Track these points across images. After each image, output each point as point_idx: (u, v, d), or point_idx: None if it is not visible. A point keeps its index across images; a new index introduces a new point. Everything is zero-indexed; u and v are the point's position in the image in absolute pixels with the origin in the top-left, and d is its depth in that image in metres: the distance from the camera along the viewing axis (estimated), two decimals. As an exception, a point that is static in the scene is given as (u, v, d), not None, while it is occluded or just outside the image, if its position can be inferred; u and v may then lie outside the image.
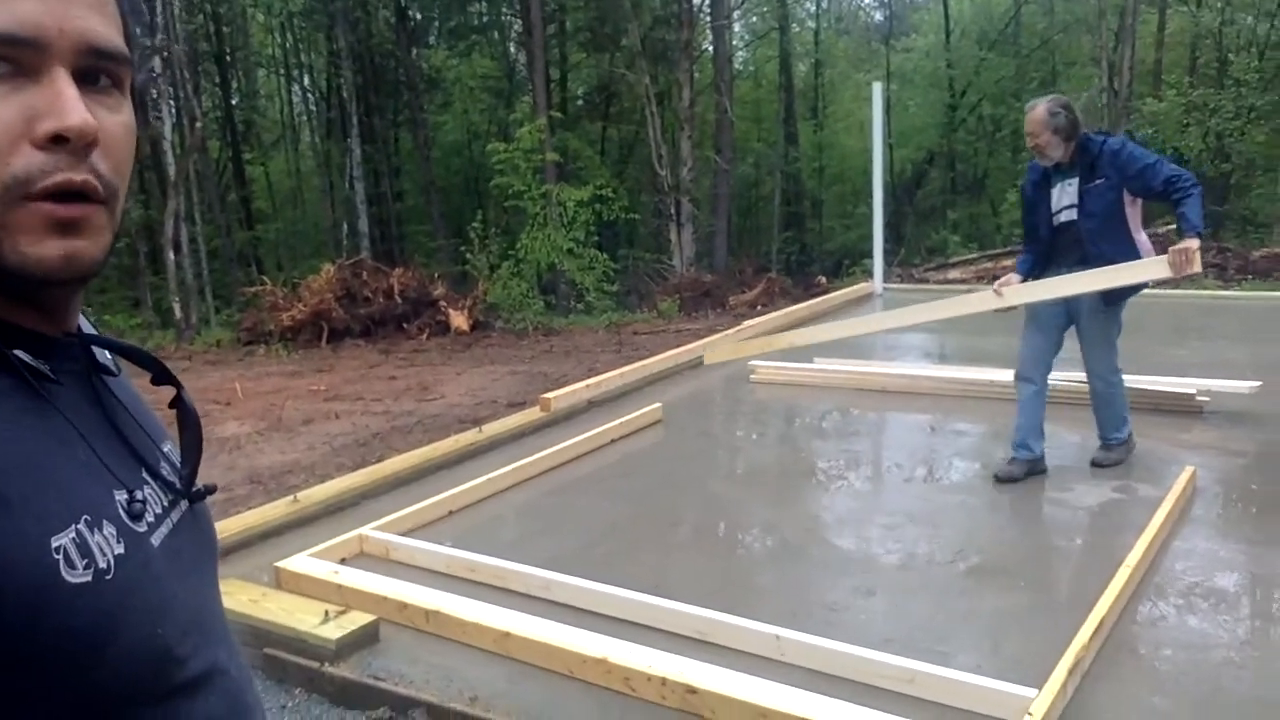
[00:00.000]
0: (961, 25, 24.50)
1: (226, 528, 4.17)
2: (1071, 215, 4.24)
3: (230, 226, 20.45)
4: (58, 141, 0.64)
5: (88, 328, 0.80)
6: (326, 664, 3.03)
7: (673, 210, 17.34)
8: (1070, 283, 4.22)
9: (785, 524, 4.28)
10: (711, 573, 3.76)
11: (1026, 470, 4.44)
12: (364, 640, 3.14)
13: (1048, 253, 4.40)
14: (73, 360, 0.75)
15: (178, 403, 0.84)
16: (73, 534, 0.64)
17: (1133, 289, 4.28)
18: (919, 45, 25.52)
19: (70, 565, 0.63)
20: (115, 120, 0.70)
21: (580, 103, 24.59)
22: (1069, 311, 4.40)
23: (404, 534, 4.02)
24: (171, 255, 15.62)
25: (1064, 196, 4.25)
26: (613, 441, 5.50)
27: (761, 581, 3.74)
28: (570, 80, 23.94)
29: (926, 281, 13.29)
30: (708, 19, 18.87)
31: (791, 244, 23.66)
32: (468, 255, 14.76)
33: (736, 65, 24.16)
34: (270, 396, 9.25)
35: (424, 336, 12.64)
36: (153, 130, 17.43)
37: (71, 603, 0.62)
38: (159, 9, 15.55)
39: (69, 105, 0.65)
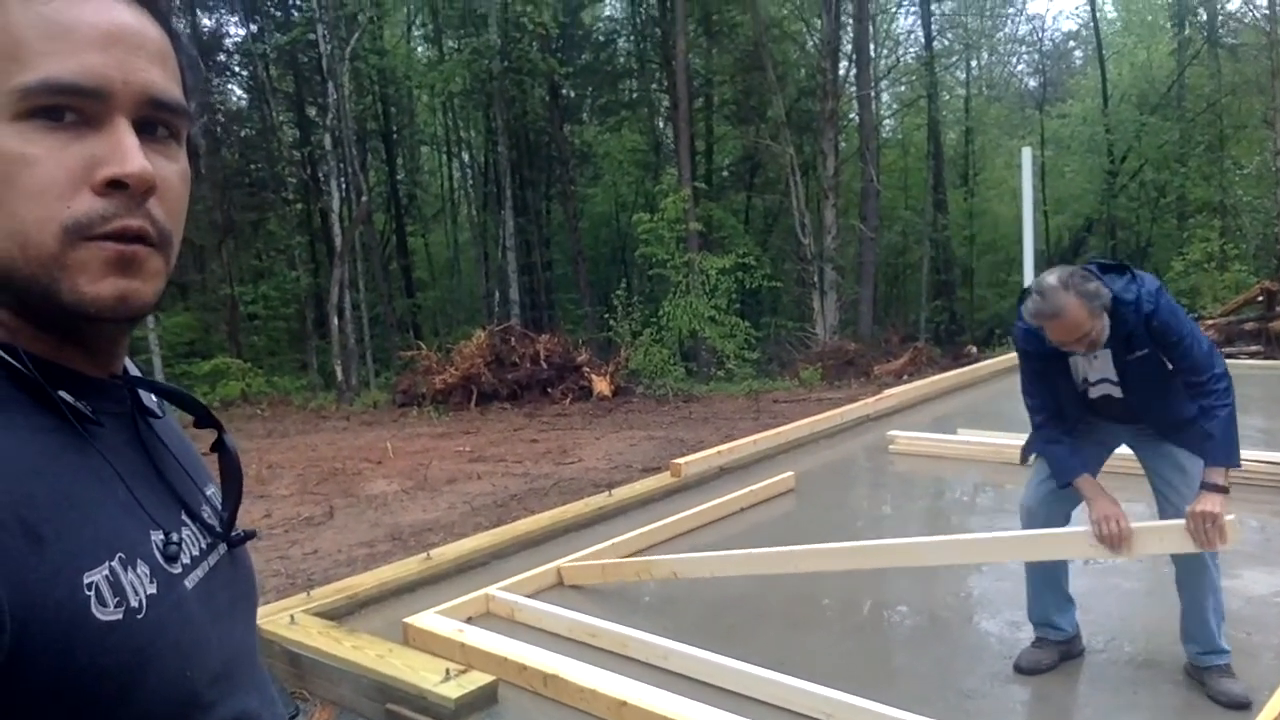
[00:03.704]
0: (1120, 89, 23.62)
1: (361, 582, 4.29)
2: (1113, 391, 3.15)
3: (391, 294, 21.52)
4: (117, 187, 0.67)
5: (134, 370, 0.81)
6: (445, 723, 3.05)
7: (816, 278, 17.21)
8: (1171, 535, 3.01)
9: (924, 603, 4.07)
10: (840, 651, 3.61)
11: (1060, 656, 3.37)
12: (482, 701, 3.14)
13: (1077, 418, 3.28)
14: (117, 402, 0.76)
15: (219, 446, 0.85)
16: (106, 571, 0.64)
17: None
18: (1075, 111, 24.72)
19: (102, 603, 0.63)
20: (172, 169, 0.72)
21: (725, 173, 24.89)
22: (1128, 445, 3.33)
23: (529, 595, 4.03)
24: (336, 320, 16.52)
25: (1093, 369, 3.14)
26: (742, 510, 5.41)
27: (894, 662, 3.56)
28: (715, 152, 24.30)
29: (1085, 352, 12.64)
30: (853, 89, 18.86)
31: (940, 313, 23.06)
32: (611, 322, 15.01)
33: (883, 134, 24.00)
34: (419, 456, 9.58)
35: (567, 401, 12.87)
36: (322, 203, 18.66)
37: (101, 640, 0.62)
38: (331, 91, 16.74)
39: (129, 154, 0.67)
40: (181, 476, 0.81)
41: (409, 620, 3.68)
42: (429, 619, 3.68)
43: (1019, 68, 30.71)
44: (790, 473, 5.91)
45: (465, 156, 27.05)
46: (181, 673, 0.68)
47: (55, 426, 0.68)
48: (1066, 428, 3.19)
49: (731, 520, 5.28)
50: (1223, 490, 2.87)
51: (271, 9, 20.39)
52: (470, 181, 26.91)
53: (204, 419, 0.84)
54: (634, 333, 14.64)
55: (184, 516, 0.78)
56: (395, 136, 23.63)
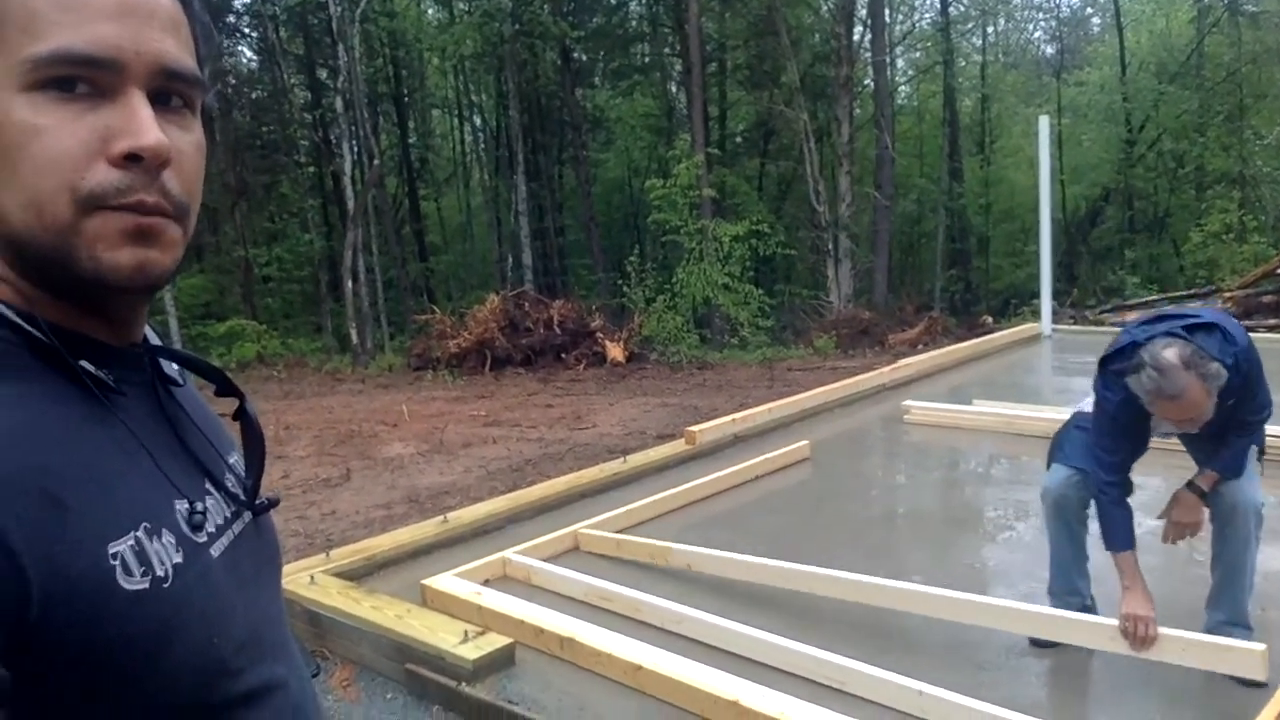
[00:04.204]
0: (1139, 57, 23.25)
1: (379, 544, 4.34)
2: (1175, 442, 3.19)
3: (405, 258, 21.51)
4: (132, 159, 0.66)
5: (154, 339, 0.80)
6: (464, 683, 3.09)
7: (830, 246, 17.13)
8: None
9: (939, 573, 4.09)
10: (853, 619, 3.63)
11: None
12: (500, 662, 3.18)
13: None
14: (138, 371, 0.76)
15: (241, 414, 0.84)
16: (131, 541, 0.65)
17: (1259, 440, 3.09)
18: (1093, 79, 24.37)
19: (127, 573, 0.63)
20: (187, 139, 0.71)
21: (739, 139, 24.70)
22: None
23: (546, 559, 4.07)
24: (350, 284, 16.54)
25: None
26: (757, 478, 5.43)
27: (909, 633, 3.58)
28: (729, 117, 24.09)
29: (1101, 324, 12.58)
30: (868, 55, 18.64)
31: (956, 282, 22.93)
32: (625, 288, 14.99)
33: (899, 100, 23.74)
34: (434, 420, 9.63)
35: (581, 366, 12.89)
36: (334, 166, 18.61)
37: (128, 610, 0.63)
38: (341, 53, 16.64)
39: (144, 125, 0.66)
40: (204, 445, 0.81)
41: (427, 582, 3.72)
42: (447, 581, 3.73)
43: (1036, 34, 30.32)
44: (805, 441, 5.92)
45: (477, 120, 26.92)
46: (208, 641, 0.69)
47: (76, 396, 0.68)
48: (1129, 487, 3.04)
49: (746, 488, 5.31)
50: (1201, 494, 3.01)
51: (282, -30, 20.23)
52: (482, 146, 26.80)
53: (225, 387, 0.84)
54: (647, 299, 14.62)
55: (208, 485, 0.78)
56: (407, 100, 23.49)
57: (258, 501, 0.83)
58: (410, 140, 24.04)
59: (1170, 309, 3.11)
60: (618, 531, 4.46)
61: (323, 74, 20.94)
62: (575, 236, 23.53)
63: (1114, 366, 2.89)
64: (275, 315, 19.50)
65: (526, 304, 14.20)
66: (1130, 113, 21.93)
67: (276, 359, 15.83)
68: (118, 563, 0.63)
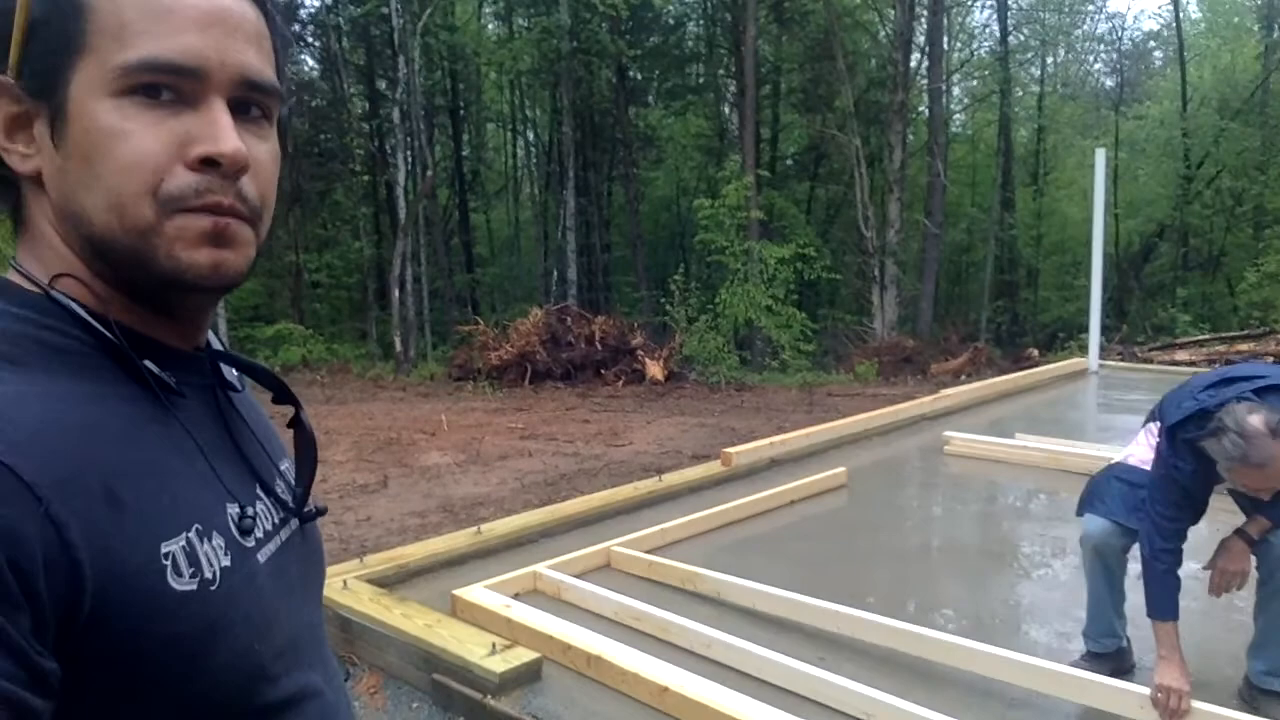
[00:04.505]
0: (1201, 92, 22.89)
1: (412, 552, 4.37)
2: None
3: (452, 269, 21.74)
4: (210, 165, 0.69)
5: (216, 344, 0.83)
6: (489, 696, 3.10)
7: (876, 272, 17.03)
8: None
9: (972, 608, 4.03)
10: (883, 650, 3.59)
11: (1110, 670, 3.26)
12: (526, 677, 3.18)
13: None
14: (199, 375, 0.78)
15: (296, 423, 0.86)
16: (183, 542, 0.66)
17: None
18: (1152, 113, 24.04)
19: (177, 573, 0.65)
20: (263, 148, 0.74)
21: (789, 162, 24.69)
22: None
23: (577, 575, 4.07)
24: (397, 292, 16.75)
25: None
26: (792, 503, 5.39)
27: (939, 667, 3.53)
28: (781, 140, 24.10)
29: (1150, 362, 12.35)
30: (924, 82, 18.56)
31: (1003, 313, 22.68)
32: (668, 307, 15.02)
33: (953, 128, 23.59)
34: (472, 430, 9.70)
35: (620, 383, 12.92)
36: (388, 175, 18.88)
37: (175, 610, 0.64)
38: (401, 65, 16.91)
39: (224, 133, 0.69)
40: (257, 450, 0.82)
41: (458, 592, 3.74)
42: (477, 592, 3.74)
43: (1096, 66, 29.97)
44: (842, 468, 5.87)
45: (530, 135, 27.20)
46: (250, 645, 0.70)
47: (140, 396, 0.70)
48: (1181, 555, 2.94)
49: (781, 513, 5.27)
50: (1250, 541, 2.94)
51: (347, -19, 20.64)
52: (534, 160, 27.06)
53: (282, 395, 0.85)
54: (689, 318, 14.63)
55: (259, 490, 0.79)
56: (462, 112, 23.80)
57: (306, 509, 0.84)
58: (463, 152, 24.35)
59: (1233, 369, 3.00)
60: (650, 550, 4.45)
61: (381, 84, 21.31)
62: (620, 253, 23.63)
63: (1186, 435, 2.79)
64: (322, 320, 19.80)
65: (569, 319, 14.28)
66: (1189, 148, 21.59)
67: (320, 364, 16.06)
68: (169, 562, 0.64)
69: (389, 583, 4.04)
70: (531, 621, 3.48)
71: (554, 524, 4.89)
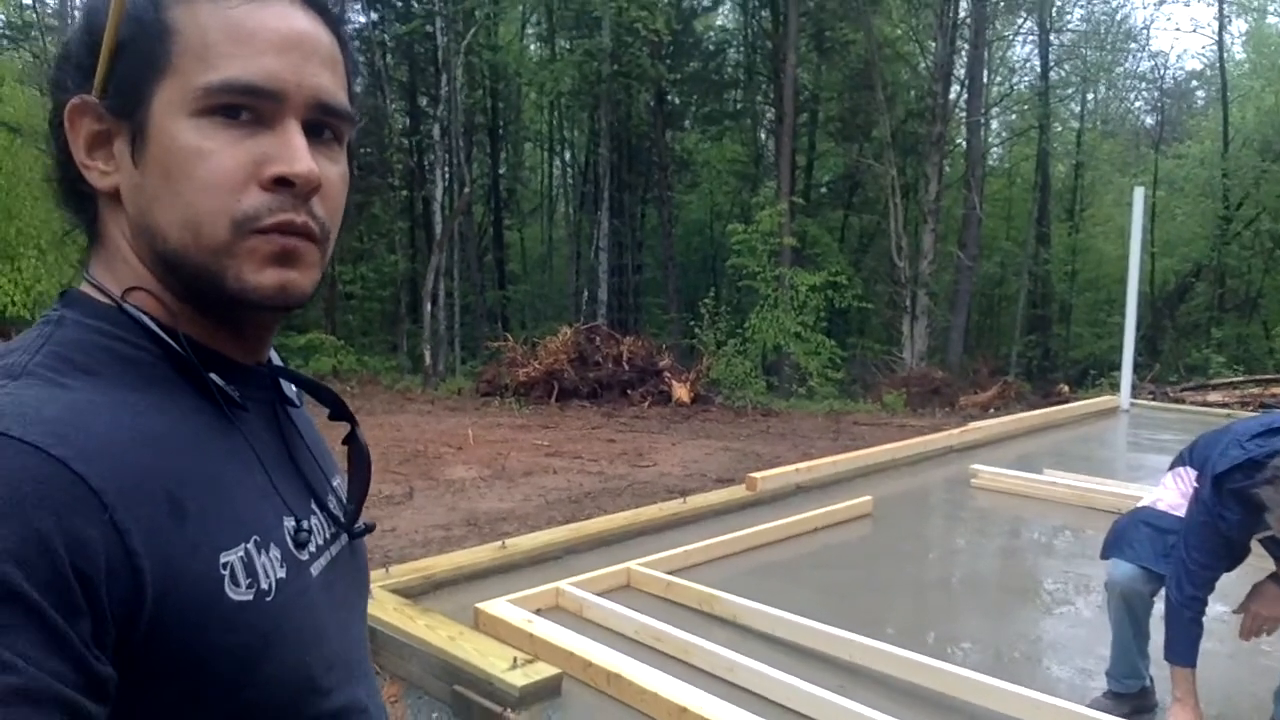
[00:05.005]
0: (1243, 134, 22.71)
1: (437, 564, 4.41)
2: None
3: (484, 285, 21.92)
4: (283, 185, 0.70)
5: (277, 360, 0.85)
6: (509, 710, 3.12)
7: (908, 303, 16.99)
8: None
9: (996, 642, 4.01)
10: (903, 680, 3.58)
11: (1132, 709, 3.29)
12: (546, 692, 3.21)
13: None
14: (261, 389, 0.80)
15: (351, 439, 0.87)
16: (241, 552, 0.67)
17: None
18: (1192, 152, 23.85)
19: (235, 583, 0.66)
20: (334, 171, 0.75)
21: (824, 190, 24.73)
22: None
23: (599, 593, 4.10)
24: (429, 306, 16.91)
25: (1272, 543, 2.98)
26: (816, 530, 5.39)
27: (958, 700, 3.51)
28: (816, 168, 24.16)
29: (1182, 402, 12.21)
30: (963, 114, 18.55)
31: (1034, 348, 22.52)
32: (697, 330, 15.06)
33: (990, 161, 23.55)
34: (498, 446, 9.76)
35: (646, 404, 12.95)
36: (426, 191, 19.10)
37: (232, 619, 0.65)
38: (444, 83, 17.14)
39: (298, 154, 0.70)
40: (312, 466, 0.84)
41: (481, 606, 3.77)
42: (500, 606, 3.77)
43: (1137, 104, 29.82)
44: (868, 497, 5.86)
45: (567, 155, 27.44)
46: (301, 658, 0.71)
47: (205, 408, 0.72)
48: (1207, 604, 2.96)
49: (804, 539, 5.27)
50: None
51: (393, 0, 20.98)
52: (570, 180, 27.28)
53: (339, 412, 0.86)
54: (718, 342, 14.66)
55: (313, 505, 0.81)
56: (501, 131, 24.06)
57: (356, 526, 0.85)
58: (501, 171, 24.60)
59: (1277, 417, 2.99)
60: (672, 572, 4.46)
61: (423, 101, 21.59)
62: (652, 275, 23.73)
63: (1234, 485, 2.76)
64: (354, 332, 19.99)
65: (598, 338, 14.35)
66: (1229, 189, 21.40)
67: (351, 375, 16.22)
68: (227, 572, 0.65)
69: (413, 593, 4.08)
70: (553, 637, 3.51)
71: (577, 541, 4.92)
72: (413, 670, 3.51)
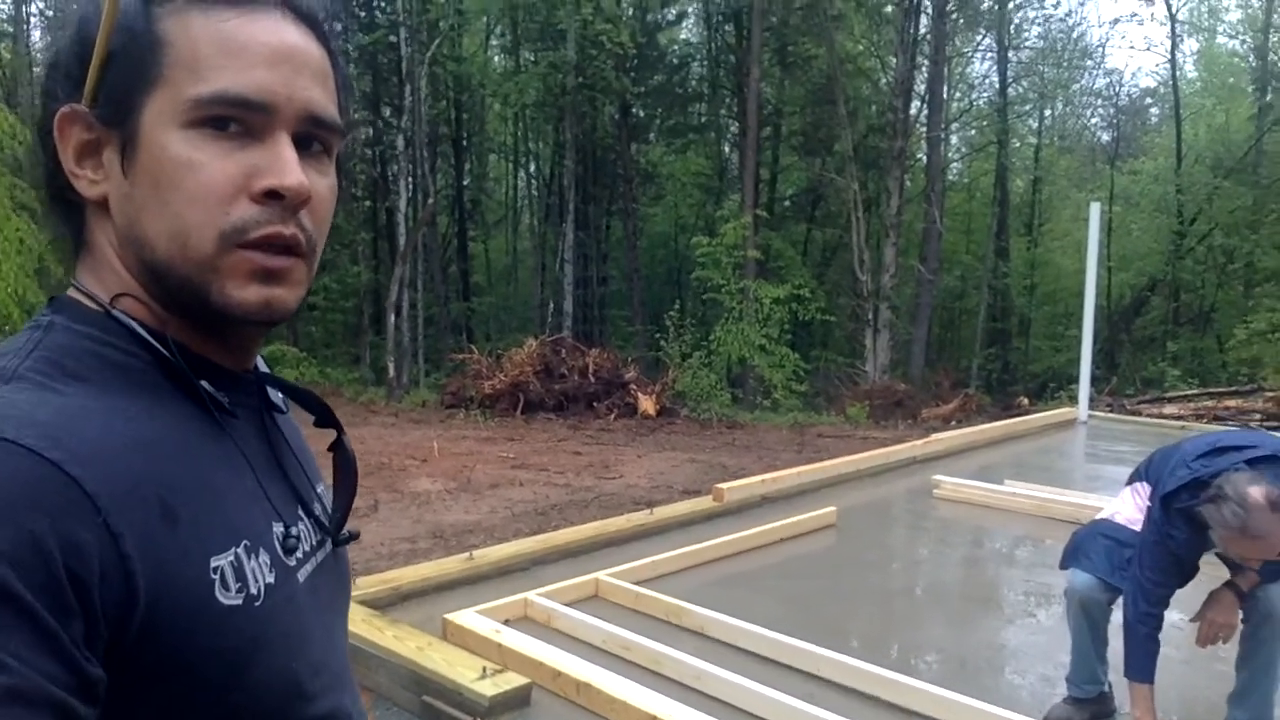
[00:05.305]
0: (1195, 150, 23.28)
1: (404, 576, 4.40)
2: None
3: (448, 296, 21.82)
4: (273, 197, 0.70)
5: (264, 367, 0.85)
6: (479, 719, 3.12)
7: (870, 316, 17.17)
8: None
9: (959, 650, 4.07)
10: (871, 691, 3.62)
11: (1091, 715, 3.36)
12: (515, 701, 3.21)
13: None
14: (249, 395, 0.80)
15: (337, 446, 0.86)
16: (232, 557, 0.68)
17: None
18: (1147, 168, 24.42)
19: (225, 587, 0.66)
20: (323, 183, 0.75)
21: (787, 203, 24.94)
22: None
23: (567, 604, 4.10)
24: (393, 318, 16.79)
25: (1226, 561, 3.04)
26: (782, 540, 5.44)
27: (927, 704, 3.56)
28: (780, 181, 24.36)
29: (1138, 414, 12.45)
30: (924, 129, 18.82)
31: (994, 361, 22.85)
32: (662, 342, 15.11)
33: (950, 176, 23.90)
34: (463, 458, 9.72)
35: (612, 416, 12.96)
36: (389, 202, 19.00)
37: (221, 624, 0.65)
38: (407, 93, 17.09)
39: (289, 167, 0.70)
40: (299, 472, 0.84)
41: (449, 616, 3.77)
42: (468, 617, 3.77)
43: (1093, 121, 30.43)
44: (832, 508, 5.92)
45: (532, 167, 27.45)
46: (288, 664, 0.71)
47: (195, 414, 0.72)
48: (1163, 619, 3.01)
49: (770, 550, 5.31)
50: (1240, 594, 2.98)
51: (356, 9, 20.90)
52: (534, 192, 27.28)
53: (324, 419, 0.86)
54: (683, 355, 14.72)
55: (300, 511, 0.81)
56: (465, 143, 24.03)
57: (341, 533, 0.86)
58: (465, 182, 24.54)
59: (1223, 436, 3.04)
60: (640, 582, 4.48)
61: (386, 111, 21.51)
62: (617, 287, 23.77)
63: (1180, 504, 2.83)
64: (316, 343, 19.81)
65: (563, 350, 14.35)
66: (1183, 205, 21.91)
67: (313, 386, 16.03)
68: (217, 576, 0.66)
69: (381, 605, 4.06)
70: (522, 647, 3.51)
71: (545, 552, 4.92)
72: (381, 681, 3.50)
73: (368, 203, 21.33)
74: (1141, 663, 2.95)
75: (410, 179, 17.79)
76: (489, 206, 27.12)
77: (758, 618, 4.13)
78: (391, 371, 16.49)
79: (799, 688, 3.40)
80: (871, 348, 17.09)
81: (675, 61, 23.85)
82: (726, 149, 24.57)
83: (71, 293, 0.74)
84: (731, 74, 22.00)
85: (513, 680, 3.27)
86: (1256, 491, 2.58)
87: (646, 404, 13.16)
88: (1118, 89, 29.30)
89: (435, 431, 11.72)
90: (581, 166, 21.31)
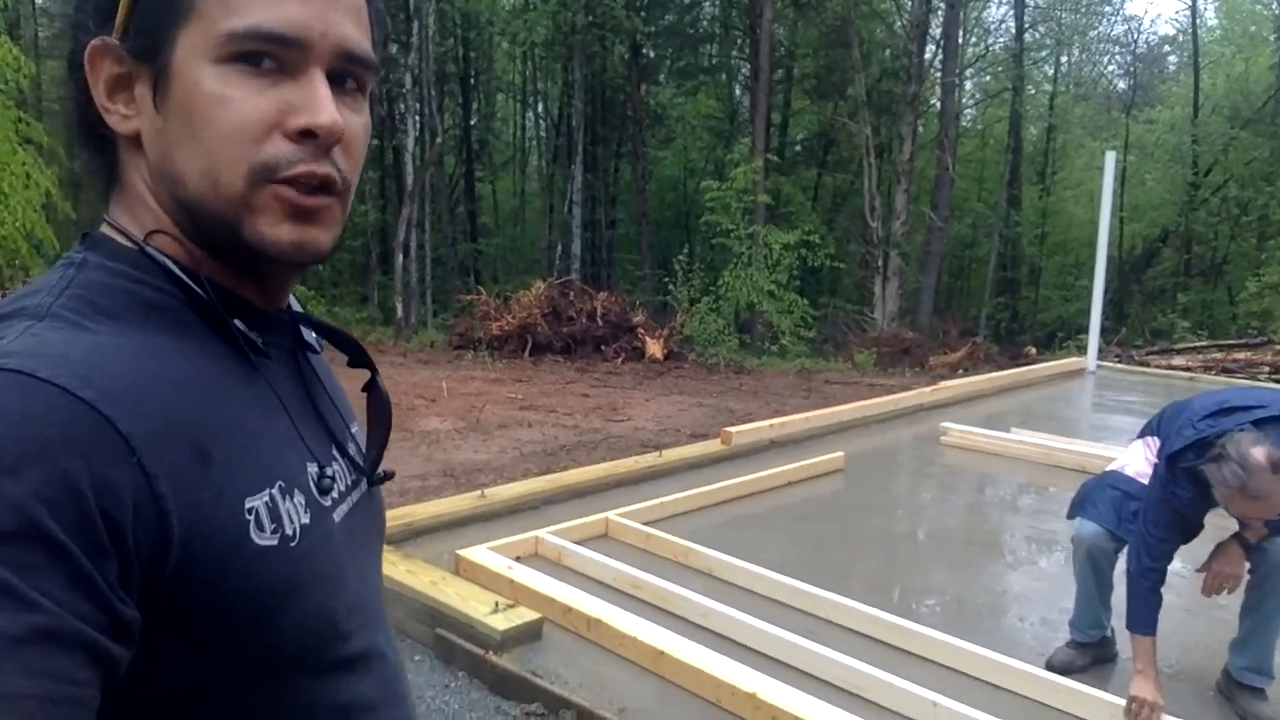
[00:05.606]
0: (1213, 100, 22.91)
1: (417, 512, 4.46)
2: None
3: (456, 237, 21.74)
4: (307, 135, 0.69)
5: (296, 306, 0.84)
6: (491, 652, 3.19)
7: (880, 263, 17.09)
8: None
9: (961, 594, 4.13)
10: (877, 631, 3.68)
11: (1093, 659, 3.45)
12: (527, 635, 3.28)
13: None
14: (282, 335, 0.79)
15: (371, 387, 0.86)
16: (266, 498, 0.67)
17: None
18: (1163, 117, 24.06)
19: (260, 528, 0.66)
20: (357, 121, 0.74)
21: (798, 148, 24.69)
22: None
23: (577, 542, 4.16)
24: (400, 258, 16.76)
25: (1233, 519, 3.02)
26: (790, 484, 5.49)
27: (930, 647, 3.62)
28: (791, 125, 24.08)
29: (1147, 365, 12.44)
30: (938, 75, 18.54)
31: (1003, 310, 22.78)
32: (670, 287, 15.06)
33: (964, 123, 23.60)
34: (472, 399, 9.77)
35: (619, 360, 12.98)
36: (396, 141, 18.84)
37: (255, 564, 0.65)
38: (415, 30, 16.85)
39: (323, 104, 0.69)
40: (333, 412, 0.84)
41: (461, 552, 3.83)
42: (481, 553, 3.83)
43: (1109, 68, 29.96)
44: (840, 453, 5.97)
45: (540, 108, 27.15)
46: (324, 603, 0.71)
47: (229, 354, 0.71)
48: (1166, 573, 3.03)
49: (778, 493, 5.37)
50: (1247, 546, 2.99)
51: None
52: (543, 133, 27.01)
53: (358, 359, 0.85)
54: (692, 299, 14.68)
55: (334, 451, 0.80)
56: (473, 82, 23.75)
57: (376, 473, 0.85)
58: (472, 122, 24.30)
59: (1230, 395, 3.04)
60: (649, 523, 4.54)
61: (394, 48, 21.22)
62: (625, 231, 23.66)
63: (1185, 464, 2.86)
64: (324, 283, 19.78)
65: (571, 293, 14.32)
66: (1198, 155, 21.64)
67: (322, 325, 16.07)
68: (252, 517, 0.65)
69: (394, 540, 4.12)
70: (533, 583, 3.58)
71: (555, 492, 4.98)
72: (395, 615, 3.56)
73: (375, 141, 21.10)
74: (1144, 615, 3.00)
75: (418, 118, 17.61)
76: (496, 147, 26.90)
77: (764, 559, 4.19)
78: (399, 311, 16.49)
79: (801, 625, 3.46)
80: (880, 295, 17.03)
81: (687, 1, 23.44)
82: (738, 91, 24.26)
83: (104, 229, 0.73)
84: (744, 14, 21.58)
85: (524, 615, 3.34)
86: (1259, 452, 2.62)
87: (654, 348, 13.17)
88: (1136, 36, 28.83)
89: (443, 372, 11.75)
90: (590, 107, 21.07)
